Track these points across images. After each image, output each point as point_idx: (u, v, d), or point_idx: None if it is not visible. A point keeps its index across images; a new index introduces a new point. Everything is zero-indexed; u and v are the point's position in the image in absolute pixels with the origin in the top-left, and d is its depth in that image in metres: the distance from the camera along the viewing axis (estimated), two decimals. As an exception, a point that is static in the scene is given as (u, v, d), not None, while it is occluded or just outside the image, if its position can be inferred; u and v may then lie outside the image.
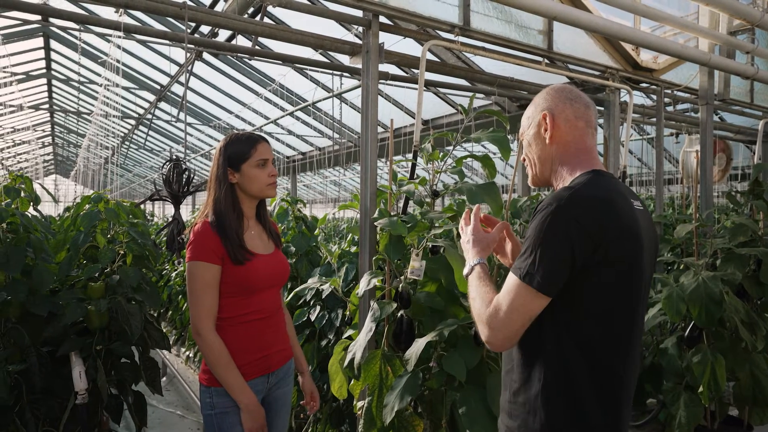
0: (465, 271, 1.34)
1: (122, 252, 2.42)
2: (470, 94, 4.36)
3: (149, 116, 7.87)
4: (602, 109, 3.81)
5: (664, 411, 2.92)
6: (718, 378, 2.73)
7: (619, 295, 1.17)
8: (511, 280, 1.17)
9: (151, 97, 8.05)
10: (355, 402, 2.38)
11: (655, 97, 4.42)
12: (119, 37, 2.49)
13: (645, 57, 3.70)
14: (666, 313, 2.77)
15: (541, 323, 1.18)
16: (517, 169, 2.30)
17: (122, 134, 10.91)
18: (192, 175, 2.12)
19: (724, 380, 2.76)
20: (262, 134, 1.87)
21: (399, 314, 2.15)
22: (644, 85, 3.88)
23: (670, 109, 4.77)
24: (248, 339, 1.78)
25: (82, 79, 8.52)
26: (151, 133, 10.13)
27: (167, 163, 2.09)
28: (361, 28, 2.59)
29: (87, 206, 2.49)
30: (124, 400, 2.51)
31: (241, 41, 3.41)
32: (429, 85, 3.74)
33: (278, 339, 1.90)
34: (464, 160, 2.40)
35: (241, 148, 1.79)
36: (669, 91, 4.02)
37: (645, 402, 3.28)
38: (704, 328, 2.82)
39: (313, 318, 2.95)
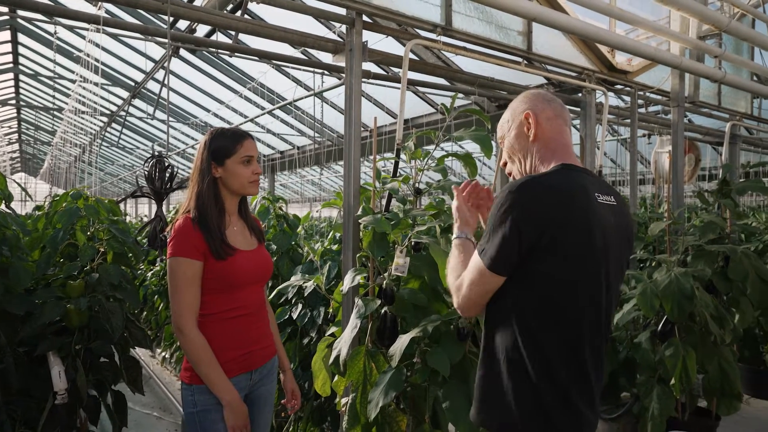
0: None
1: (102, 250, 2.38)
2: (449, 93, 4.42)
3: (123, 113, 7.71)
4: (579, 110, 3.89)
5: (638, 404, 3.00)
6: (689, 371, 2.82)
7: (566, 283, 1.21)
8: (474, 256, 1.27)
9: (123, 93, 7.89)
10: (338, 399, 2.39)
11: (627, 98, 4.54)
12: (97, 31, 2.44)
13: (620, 59, 3.80)
14: (641, 308, 2.86)
15: (501, 304, 1.26)
16: (498, 168, 2.34)
17: (94, 131, 10.66)
18: (175, 172, 2.10)
19: (695, 373, 2.85)
20: (248, 131, 1.87)
21: (383, 311, 2.17)
22: (619, 86, 3.98)
23: (642, 110, 4.90)
24: (231, 336, 1.77)
25: (51, 74, 8.29)
26: (124, 130, 9.93)
27: (149, 160, 2.07)
28: (343, 27, 2.60)
29: (64, 204, 2.44)
30: (102, 400, 2.47)
31: (220, 38, 3.38)
32: (409, 84, 3.77)
33: (262, 336, 1.89)
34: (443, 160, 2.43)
35: (226, 144, 1.78)
36: (642, 93, 4.13)
37: (620, 396, 3.37)
38: (676, 322, 2.91)
39: (295, 316, 2.94)
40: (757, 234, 4.47)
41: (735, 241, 3.45)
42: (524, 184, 1.20)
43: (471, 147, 8.20)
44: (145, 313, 5.36)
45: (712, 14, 3.34)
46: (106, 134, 10.38)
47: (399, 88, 2.54)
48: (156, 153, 2.08)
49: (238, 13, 2.79)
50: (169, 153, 2.39)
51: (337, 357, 2.13)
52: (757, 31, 4.09)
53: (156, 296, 5.06)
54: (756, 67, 4.38)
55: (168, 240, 1.72)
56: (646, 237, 3.60)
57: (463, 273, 1.31)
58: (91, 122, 10.20)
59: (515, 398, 1.23)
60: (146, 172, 2.06)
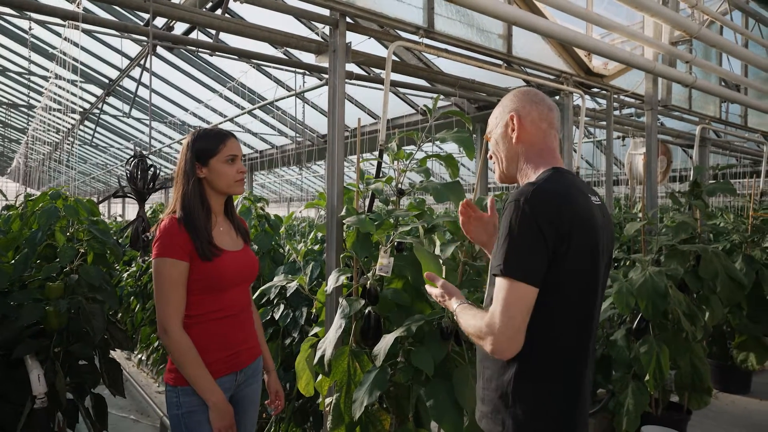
0: (455, 314, 1.37)
1: (82, 251, 2.33)
2: (429, 94, 4.44)
3: (96, 111, 7.54)
4: (556, 112, 3.96)
5: (614, 400, 3.08)
6: (662, 367, 2.91)
7: (581, 284, 1.25)
8: (497, 282, 1.20)
9: (96, 90, 7.71)
10: (321, 399, 2.40)
11: (603, 101, 4.64)
12: (75, 28, 2.40)
13: (596, 63, 3.89)
14: (617, 306, 2.93)
15: None
16: (479, 171, 2.38)
17: (67, 129, 10.41)
18: (157, 172, 2.08)
19: (668, 369, 2.94)
20: (238, 131, 1.86)
21: (366, 311, 2.18)
22: (595, 89, 4.07)
23: (616, 113, 5.01)
24: (217, 337, 1.76)
25: (21, 71, 8.05)
26: (98, 129, 9.71)
27: (131, 160, 2.04)
28: (326, 28, 2.61)
29: (41, 204, 2.38)
30: (79, 404, 2.42)
31: (200, 36, 3.34)
32: (390, 85, 3.79)
33: (247, 336, 1.89)
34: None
35: (209, 144, 1.78)
36: (617, 96, 4.23)
37: (596, 392, 3.45)
38: (651, 320, 3.00)
39: (277, 316, 2.94)
40: (725, 234, 4.63)
41: (705, 241, 3.56)
42: (536, 193, 1.20)
43: (449, 148, 8.26)
44: (120, 314, 5.28)
45: (684, 21, 3.45)
46: (80, 133, 10.14)
47: (380, 89, 2.56)
48: (138, 153, 2.05)
49: (219, 12, 2.77)
50: (144, 152, 2.35)
51: (322, 357, 2.14)
52: (725, 37, 4.23)
53: (132, 297, 4.98)
54: (724, 72, 4.53)
55: (153, 241, 1.70)
56: (621, 237, 3.69)
57: (490, 308, 1.21)
58: (66, 120, 9.96)
59: (527, 408, 1.24)
60: (128, 172, 2.04)
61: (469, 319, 1.27)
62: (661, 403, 3.26)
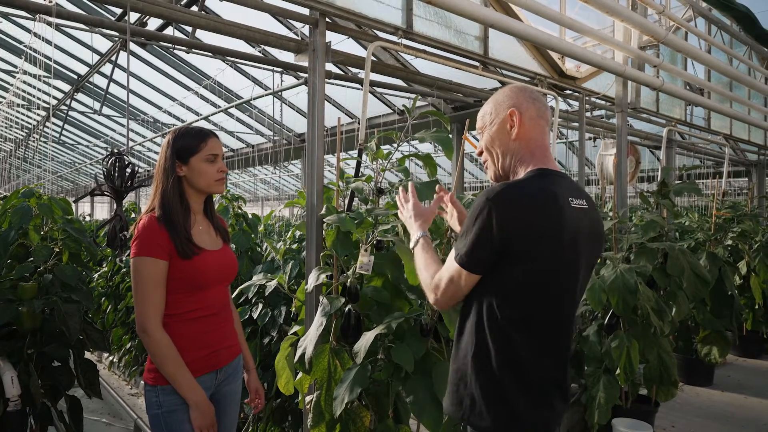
0: (411, 244, 1.52)
1: (57, 250, 2.27)
2: (405, 94, 4.47)
3: (64, 108, 7.34)
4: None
5: (586, 393, 3.16)
6: (632, 361, 3.00)
7: (546, 285, 1.26)
8: (450, 258, 1.33)
9: (63, 86, 7.50)
10: (301, 397, 2.40)
11: (574, 103, 4.75)
12: (49, 24, 2.35)
13: (569, 66, 3.98)
14: (589, 302, 3.01)
15: (472, 298, 1.33)
16: (457, 169, 2.42)
17: (32, 126, 10.10)
18: (135, 170, 2.05)
19: (638, 363, 3.04)
20: (212, 129, 1.85)
21: (347, 308, 2.20)
22: (568, 92, 4.17)
23: (588, 115, 5.14)
24: (196, 336, 1.76)
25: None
26: (65, 126, 9.44)
27: (109, 157, 2.01)
28: (305, 27, 2.61)
29: (13, 201, 2.32)
30: (52, 406, 2.36)
31: (175, 33, 3.30)
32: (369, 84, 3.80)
33: (227, 335, 1.89)
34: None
35: (190, 142, 1.77)
36: (588, 98, 4.34)
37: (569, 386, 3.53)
38: (621, 315, 3.09)
39: (255, 316, 2.93)
40: (690, 232, 4.80)
41: (672, 239, 3.69)
42: (501, 192, 1.23)
43: (423, 148, 8.32)
44: (90, 315, 5.16)
45: (652, 26, 3.56)
46: (46, 130, 9.86)
47: (357, 89, 2.58)
48: (115, 150, 2.02)
49: (195, 8, 2.75)
50: (122, 150, 2.31)
51: (303, 355, 2.14)
52: (690, 43, 4.39)
53: (103, 298, 4.88)
54: (689, 76, 4.69)
55: (132, 239, 1.69)
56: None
57: (439, 272, 1.36)
58: (32, 117, 9.66)
59: (479, 392, 1.28)
60: (105, 170, 2.01)
61: (422, 266, 1.45)
62: (630, 395, 3.36)
